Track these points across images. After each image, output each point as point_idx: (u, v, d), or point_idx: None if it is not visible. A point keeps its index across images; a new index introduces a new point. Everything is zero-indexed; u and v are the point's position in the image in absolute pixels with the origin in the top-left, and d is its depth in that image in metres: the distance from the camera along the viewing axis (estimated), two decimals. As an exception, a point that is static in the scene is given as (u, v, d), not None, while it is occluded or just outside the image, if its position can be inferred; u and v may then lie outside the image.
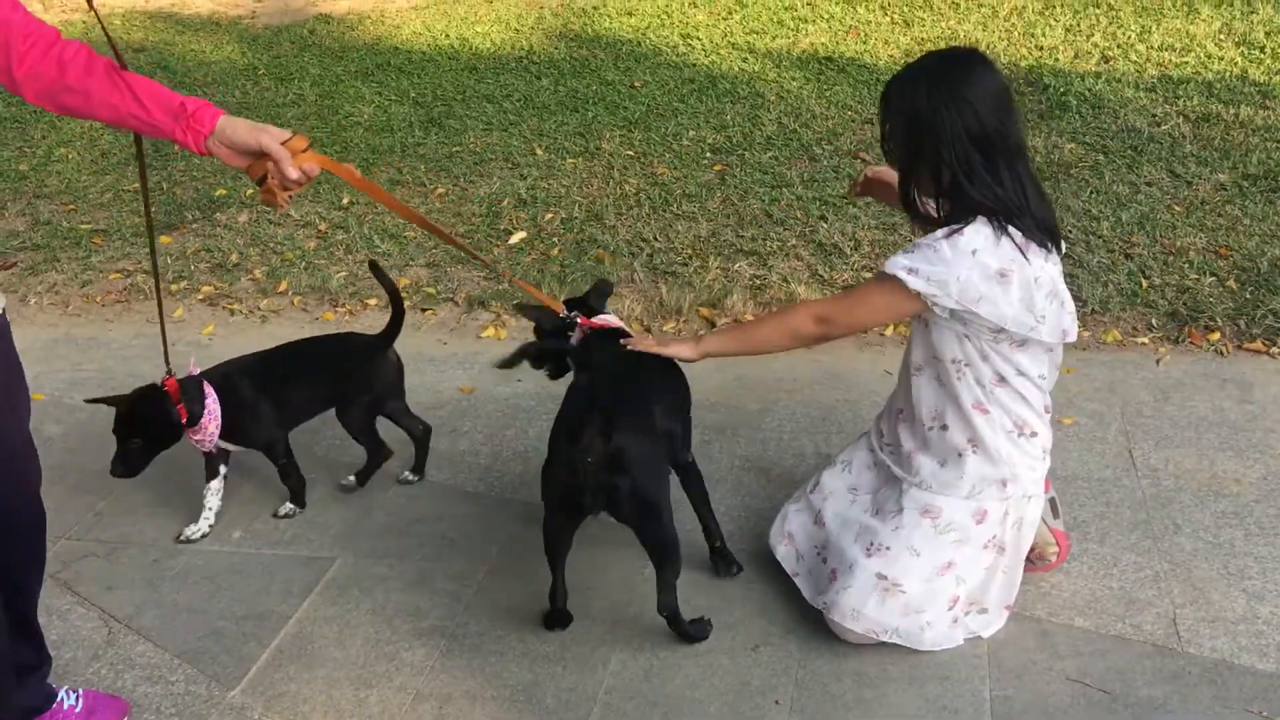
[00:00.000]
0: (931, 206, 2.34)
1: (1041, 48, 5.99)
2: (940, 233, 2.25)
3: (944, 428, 2.42)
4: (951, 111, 2.20)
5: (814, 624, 2.55)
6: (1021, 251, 2.22)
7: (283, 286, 4.44)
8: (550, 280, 4.24)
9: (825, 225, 4.42)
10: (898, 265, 2.26)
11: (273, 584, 2.82)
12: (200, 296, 4.46)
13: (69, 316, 4.41)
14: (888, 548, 2.43)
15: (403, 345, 3.89)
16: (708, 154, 5.15)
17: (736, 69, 6.10)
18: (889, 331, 3.85)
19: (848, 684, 2.40)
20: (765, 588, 2.70)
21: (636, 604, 2.67)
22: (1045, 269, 2.27)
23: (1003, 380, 2.35)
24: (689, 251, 4.37)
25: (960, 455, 2.41)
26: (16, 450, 2.08)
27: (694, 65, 6.21)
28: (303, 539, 2.99)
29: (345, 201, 5.02)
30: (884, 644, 2.45)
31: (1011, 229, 2.23)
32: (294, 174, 1.98)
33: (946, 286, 2.21)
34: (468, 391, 3.70)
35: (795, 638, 2.54)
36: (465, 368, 3.86)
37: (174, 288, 4.52)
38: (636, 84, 6.02)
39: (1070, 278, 3.98)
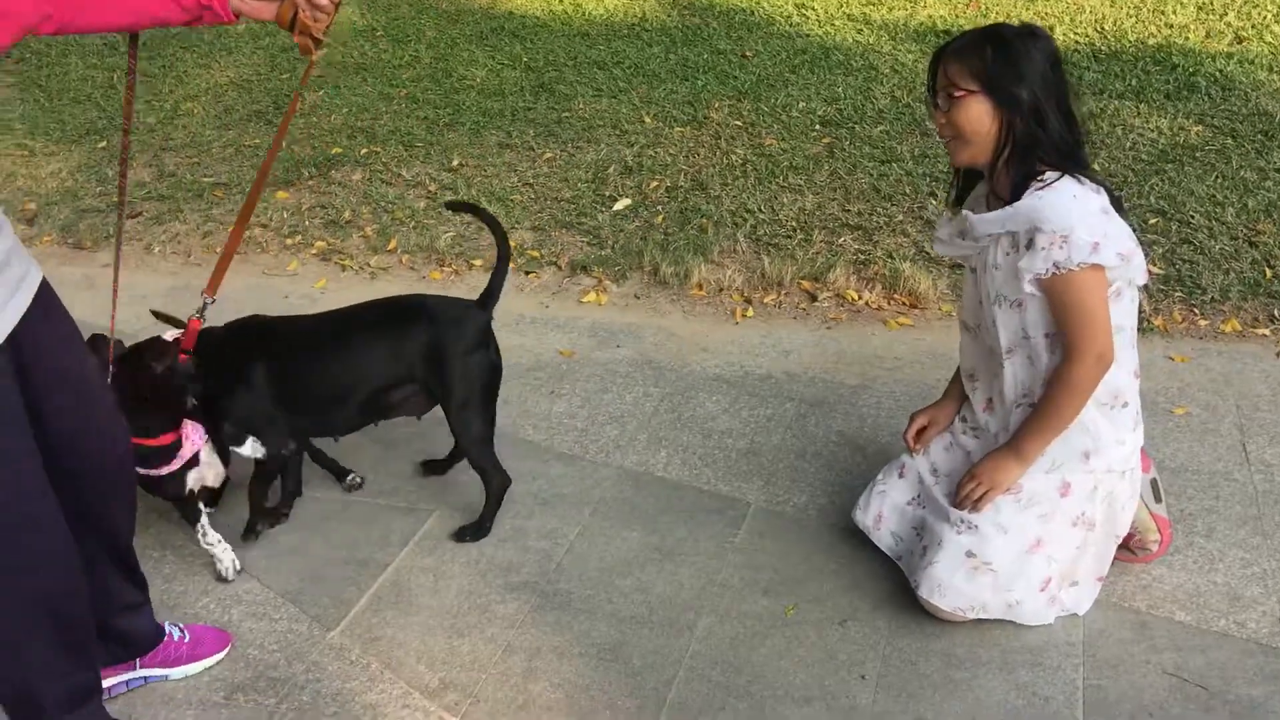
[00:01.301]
0: (1003, 180, 2.30)
1: (1171, 26, 5.78)
2: (1034, 204, 2.20)
3: (1032, 405, 2.38)
4: (1030, 62, 2.20)
5: (904, 602, 2.53)
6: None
7: (392, 244, 4.54)
8: (653, 248, 4.26)
9: (935, 202, 4.34)
10: (1084, 253, 2.18)
11: (372, 532, 2.90)
12: (314, 251, 4.58)
13: (190, 265, 4.57)
14: (975, 525, 2.40)
15: (505, 307, 3.95)
16: (817, 126, 5.09)
17: (851, 40, 6.01)
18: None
19: (936, 664, 2.38)
20: (855, 563, 2.69)
21: (726, 571, 2.69)
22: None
23: None
24: (793, 224, 4.34)
25: None
26: (95, 395, 2.12)
27: (807, 36, 6.14)
28: (402, 491, 3.07)
29: (455, 163, 5.09)
30: (975, 627, 2.43)
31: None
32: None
33: (1109, 240, 2.18)
34: (567, 355, 3.74)
35: (884, 614, 2.53)
36: (565, 331, 3.90)
37: (289, 241, 4.65)
38: (748, 54, 5.97)
39: (1189, 264, 3.85)
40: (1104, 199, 2.23)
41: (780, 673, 2.39)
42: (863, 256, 4.10)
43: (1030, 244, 2.22)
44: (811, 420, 3.29)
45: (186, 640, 2.44)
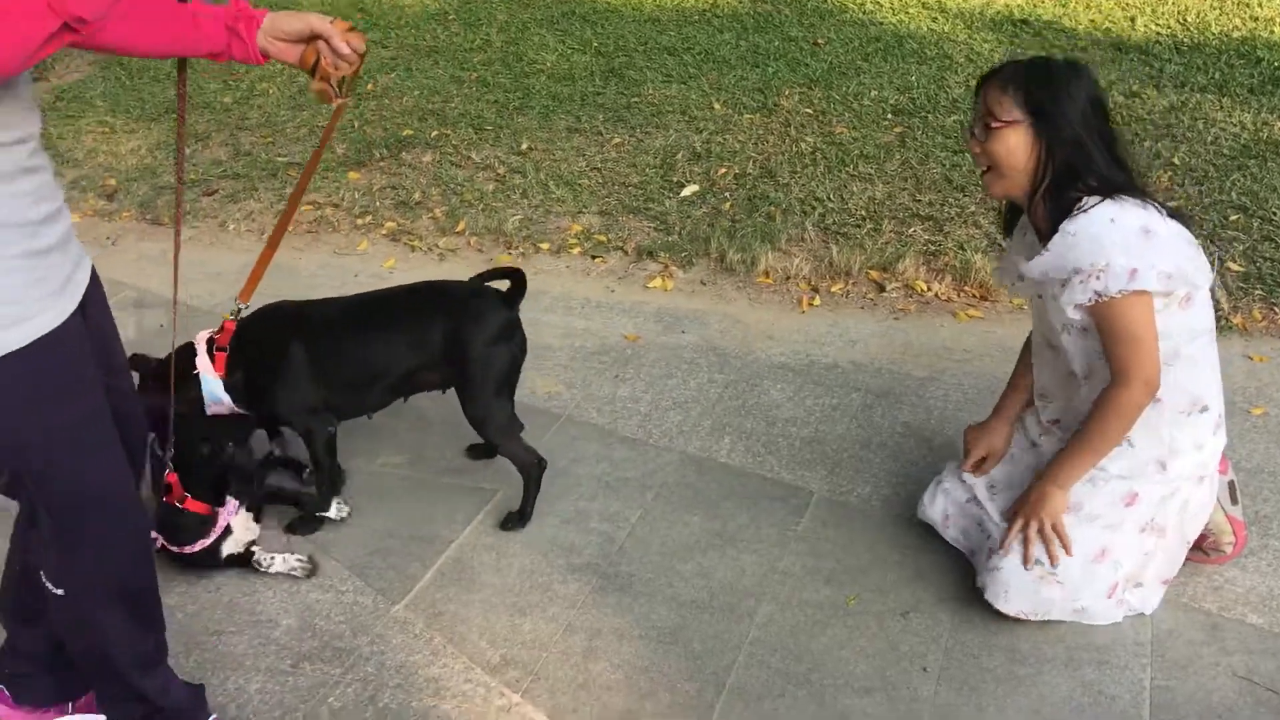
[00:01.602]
0: (1040, 212, 2.28)
1: (1256, 19, 5.63)
2: (1068, 244, 2.17)
3: None
4: (1072, 95, 2.18)
5: (968, 596, 2.51)
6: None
7: (460, 226, 4.58)
8: (720, 235, 4.25)
9: (1007, 194, 4.28)
10: (1122, 281, 2.14)
11: (437, 509, 2.94)
12: (384, 231, 4.63)
13: (263, 243, 4.64)
14: (1054, 573, 2.36)
15: (570, 291, 3.98)
16: (889, 115, 5.04)
17: (925, 29, 5.93)
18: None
19: (1000, 659, 2.36)
20: (919, 555, 2.67)
21: (788, 559, 2.68)
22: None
23: (1176, 354, 2.25)
24: (863, 213, 4.30)
25: (1119, 451, 2.34)
26: (132, 384, 2.14)
27: (880, 24, 6.07)
28: (468, 470, 3.10)
29: (524, 147, 5.12)
30: (1041, 624, 2.40)
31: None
32: (344, 48, 1.98)
33: (1153, 265, 2.14)
34: (632, 340, 3.75)
35: (947, 608, 2.51)
36: (631, 316, 3.91)
37: (360, 221, 4.71)
38: (819, 41, 5.92)
39: (1271, 261, 3.76)
40: (1149, 215, 2.17)
41: (841, 662, 2.38)
42: (933, 247, 4.06)
43: (1067, 282, 2.20)
44: (877, 411, 3.27)
45: None
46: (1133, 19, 5.75)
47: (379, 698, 2.34)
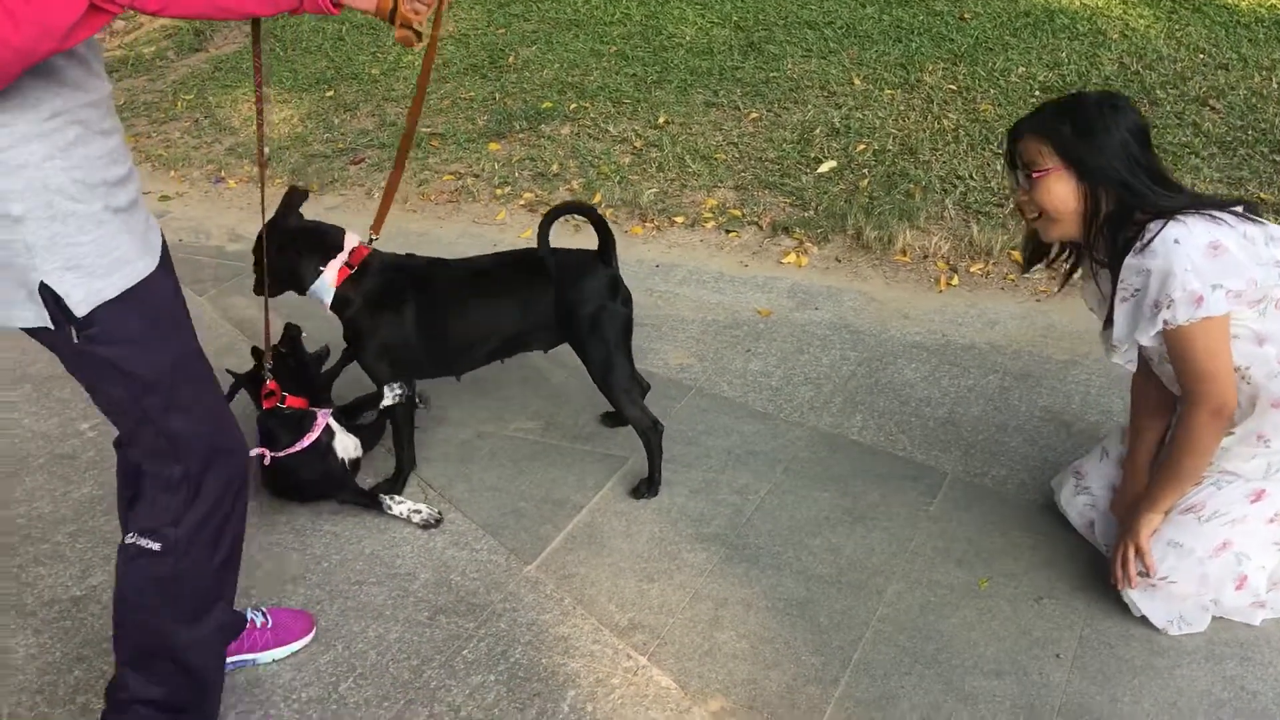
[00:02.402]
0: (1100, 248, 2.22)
1: None
2: (1143, 263, 2.10)
3: (1230, 433, 2.26)
4: (1109, 133, 2.13)
5: (1106, 584, 2.45)
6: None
7: (597, 198, 4.63)
8: (857, 212, 4.20)
9: (1160, 174, 4.12)
10: (1189, 311, 2.07)
11: (569, 474, 3.00)
12: (521, 202, 4.72)
13: (406, 212, 4.78)
14: (1172, 543, 2.29)
15: (703, 265, 3.99)
16: (1036, 92, 4.90)
17: (1077, 3, 5.73)
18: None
19: (1137, 649, 2.30)
20: (1055, 541, 2.62)
21: (918, 539, 2.66)
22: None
23: None
24: (1005, 192, 4.20)
25: (1254, 451, 2.26)
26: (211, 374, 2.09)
27: (1030, -2, 5.89)
28: (599, 436, 3.15)
29: (661, 120, 5.14)
30: (1182, 615, 2.34)
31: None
32: None
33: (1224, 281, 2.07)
34: (765, 315, 3.74)
35: (1083, 595, 2.45)
36: (764, 291, 3.90)
37: (498, 192, 4.80)
38: (966, 15, 5.78)
39: None
40: (1218, 229, 2.08)
41: (970, 644, 2.35)
42: (1078, 228, 3.94)
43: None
44: (1015, 394, 3.20)
45: (270, 625, 2.42)
46: (1303, -7, 5.46)
47: (510, 653, 2.40)
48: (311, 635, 2.46)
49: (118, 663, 2.07)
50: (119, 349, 1.77)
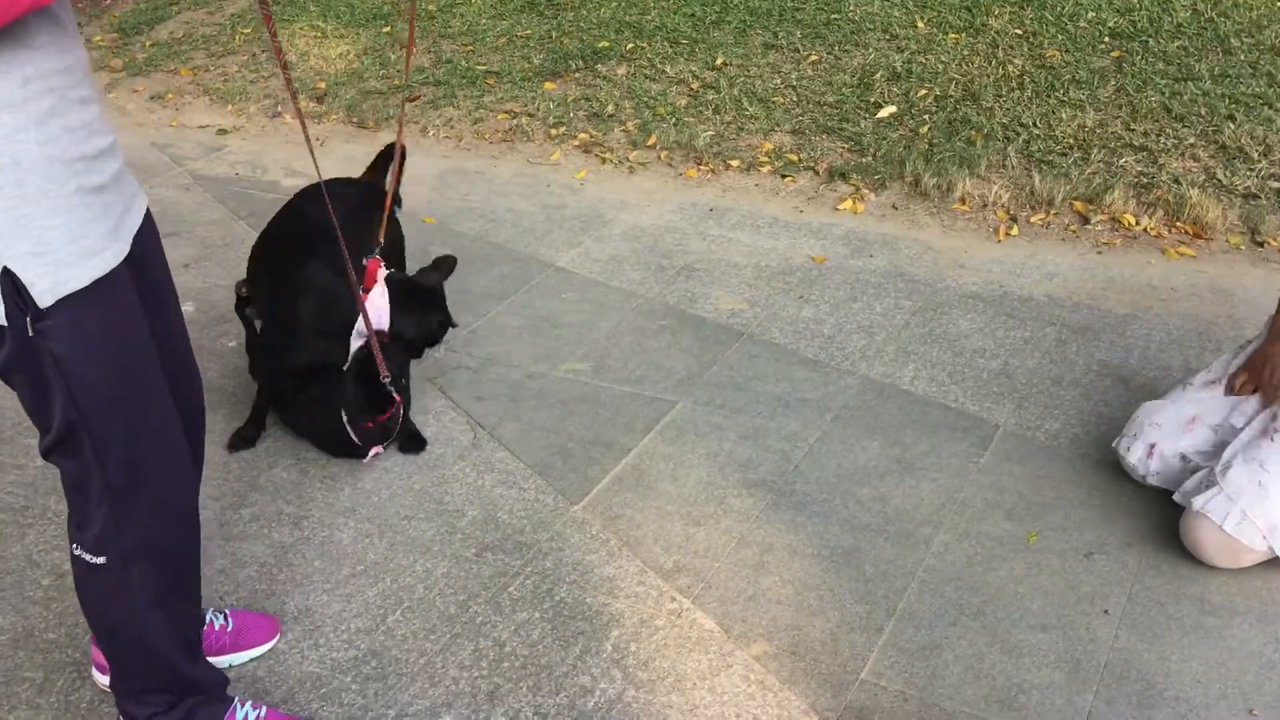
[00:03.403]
0: None
1: None
2: None
3: None
4: None
5: (1158, 541, 2.42)
6: None
7: (652, 140, 4.59)
8: (916, 158, 4.13)
9: (1233, 125, 4.00)
10: None
11: (618, 417, 3.00)
12: (576, 143, 4.69)
13: (460, 150, 4.77)
14: (1263, 465, 2.25)
15: (757, 209, 3.95)
16: (1106, 38, 4.76)
17: (1152, -54, 5.55)
18: (1291, 249, 3.48)
19: (1187, 607, 2.27)
20: (1107, 496, 2.59)
21: (968, 490, 2.64)
22: None
23: None
24: (1070, 141, 4.10)
25: None
26: (187, 336, 2.01)
27: (1103, -60, 5.71)
28: (649, 380, 3.14)
29: (719, 62, 5.06)
30: (1234, 576, 2.30)
31: None
32: None
33: None
34: (819, 261, 3.70)
35: (1134, 552, 2.42)
36: (818, 237, 3.86)
37: (553, 132, 4.77)
38: (1035, -42, 5.61)
39: None
40: None
41: (1017, 597, 2.34)
42: (1145, 179, 3.85)
43: None
44: (1072, 347, 3.15)
45: (229, 628, 2.28)
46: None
47: (555, 591, 2.43)
48: (274, 641, 2.32)
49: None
50: (72, 345, 1.59)
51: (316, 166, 2.50)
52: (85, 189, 1.57)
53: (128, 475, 1.74)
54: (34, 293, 1.53)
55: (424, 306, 2.95)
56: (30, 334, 1.56)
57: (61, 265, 1.55)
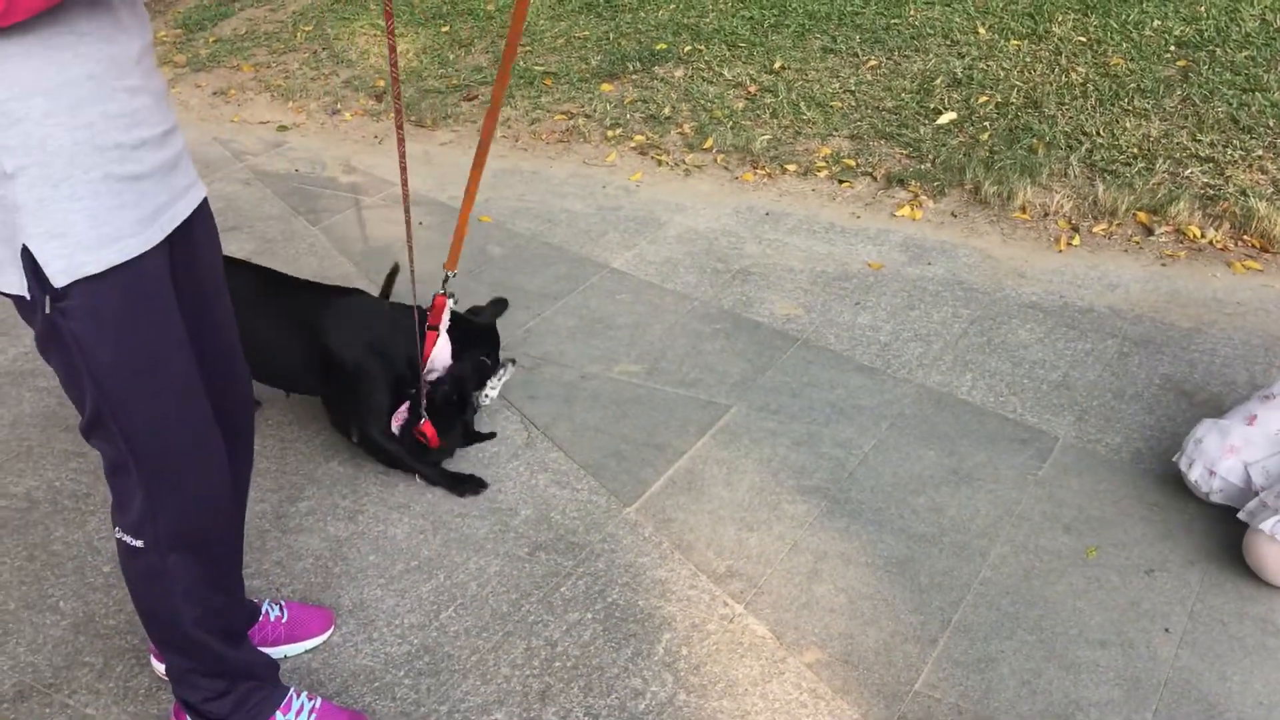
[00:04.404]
0: None
1: None
2: None
3: None
4: None
5: (1221, 559, 2.38)
6: None
7: (708, 143, 4.58)
8: (976, 166, 4.08)
9: (1302, 137, 3.93)
10: None
11: (671, 419, 3.00)
12: (632, 144, 4.69)
13: (517, 150, 4.79)
14: None
15: (814, 215, 3.93)
16: (1172, 47, 4.68)
17: (1221, -46, 5.45)
18: (1362, 265, 3.40)
19: (1250, 628, 2.23)
20: (1169, 513, 2.54)
21: (1026, 503, 2.61)
22: None
23: None
24: (1134, 150, 4.04)
25: None
26: (234, 327, 2.01)
27: (1170, -53, 5.62)
28: (703, 383, 3.14)
29: (777, 65, 5.05)
30: (1301, 597, 2.26)
31: None
32: None
33: None
34: (876, 268, 3.67)
35: (1196, 570, 2.38)
36: (875, 244, 3.83)
37: (610, 134, 4.78)
38: (1100, -36, 5.54)
39: None
40: None
41: (1075, 612, 2.31)
42: (1211, 191, 3.78)
43: None
44: (1134, 360, 3.10)
45: (284, 620, 2.31)
46: None
47: (608, 593, 2.43)
48: (329, 633, 2.35)
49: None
50: (90, 327, 1.60)
51: (404, 189, 2.52)
52: (115, 176, 1.57)
53: (156, 464, 1.75)
54: (49, 272, 1.54)
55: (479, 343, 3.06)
56: (49, 311, 1.58)
57: (80, 248, 1.55)
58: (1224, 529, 2.46)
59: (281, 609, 2.32)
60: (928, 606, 2.35)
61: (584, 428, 2.99)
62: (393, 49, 2.12)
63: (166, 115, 1.67)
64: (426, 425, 2.76)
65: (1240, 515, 2.37)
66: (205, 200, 1.84)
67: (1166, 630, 2.24)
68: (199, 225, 1.81)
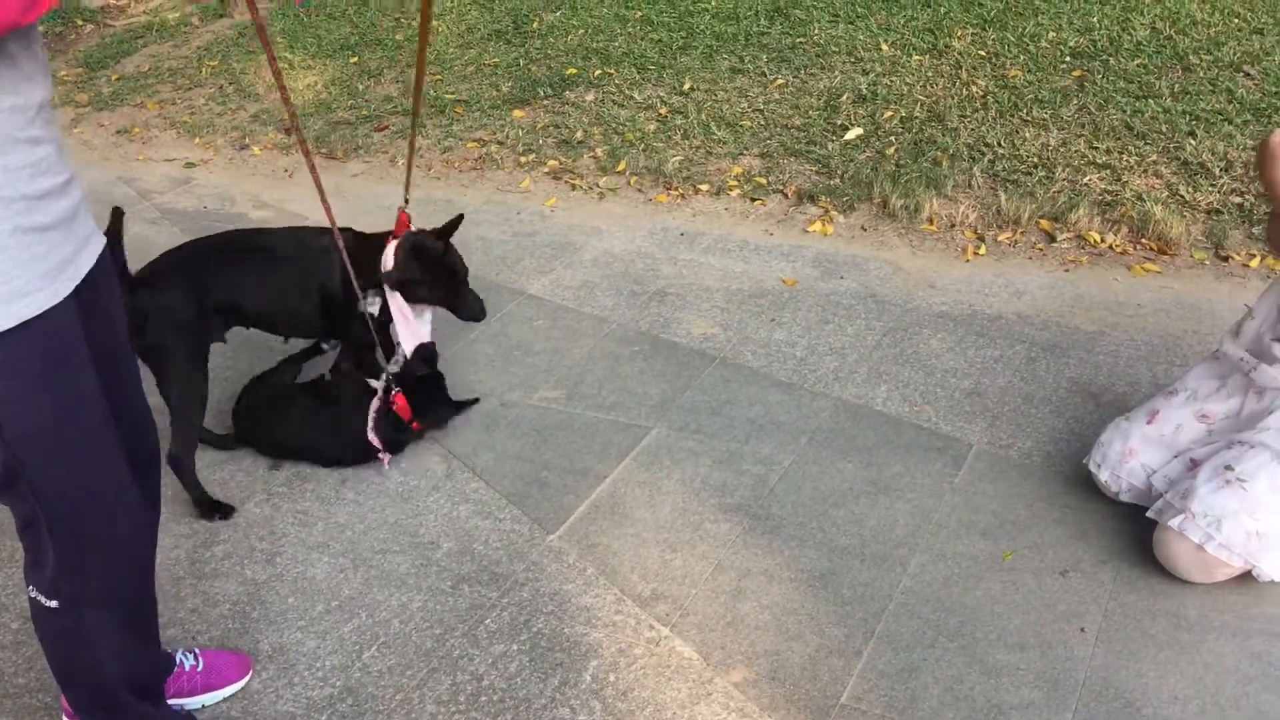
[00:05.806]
0: None
1: None
2: None
3: None
4: None
5: (1133, 558, 2.43)
6: None
7: (621, 166, 4.60)
8: (884, 180, 4.16)
9: (1194, 142, 4.06)
10: None
11: (593, 444, 2.99)
12: (546, 170, 4.69)
13: (430, 179, 4.77)
14: (1242, 480, 2.26)
15: (728, 233, 3.96)
16: (1067, 58, 4.82)
17: (1110, -33, 5.63)
18: (1254, 263, 3.52)
19: (1163, 624, 2.28)
20: (1081, 514, 2.60)
21: (943, 511, 2.65)
22: None
23: None
24: (1034, 160, 4.14)
25: None
26: (138, 377, 1.97)
27: (1062, -39, 5.78)
28: (623, 406, 3.14)
29: (686, 87, 5.09)
30: (1209, 591, 2.32)
31: None
32: None
33: None
34: (789, 284, 3.71)
35: (1109, 569, 2.44)
36: (789, 260, 3.87)
37: (523, 160, 4.78)
38: (996, -21, 5.68)
39: None
40: None
41: (994, 617, 2.34)
42: (1109, 197, 3.89)
43: None
44: (1042, 364, 3.17)
45: (200, 668, 2.26)
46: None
47: (533, 623, 2.41)
48: (247, 678, 2.30)
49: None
50: (1, 383, 1.56)
51: (330, 216, 2.49)
52: (24, 228, 1.52)
53: (71, 522, 1.71)
54: None
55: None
56: None
57: None
58: (1134, 527, 2.52)
59: (196, 657, 2.26)
60: (851, 619, 2.37)
61: (505, 456, 2.97)
62: (275, 68, 2.10)
63: (65, 164, 1.64)
64: (399, 396, 2.88)
65: (1149, 514, 2.43)
66: (106, 249, 1.80)
67: (1082, 630, 2.29)
68: (101, 276, 1.76)
